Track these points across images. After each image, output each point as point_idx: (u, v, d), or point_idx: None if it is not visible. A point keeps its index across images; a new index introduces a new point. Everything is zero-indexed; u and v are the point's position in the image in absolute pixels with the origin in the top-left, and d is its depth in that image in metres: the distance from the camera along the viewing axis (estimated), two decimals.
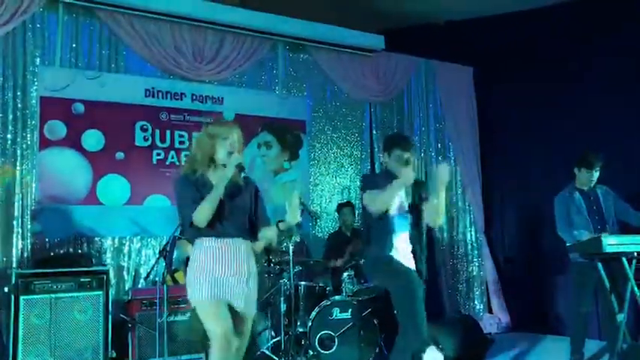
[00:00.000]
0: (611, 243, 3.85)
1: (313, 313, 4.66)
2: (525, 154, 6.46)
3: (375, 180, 3.77)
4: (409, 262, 3.61)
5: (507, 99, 6.78)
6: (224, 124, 3.28)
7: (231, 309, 2.87)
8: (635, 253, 3.90)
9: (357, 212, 5.89)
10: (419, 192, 3.72)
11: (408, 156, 3.61)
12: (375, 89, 6.62)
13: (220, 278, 2.83)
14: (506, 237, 6.88)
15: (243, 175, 3.00)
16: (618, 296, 4.01)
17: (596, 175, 4.55)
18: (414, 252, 3.64)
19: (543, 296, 6.24)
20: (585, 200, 4.52)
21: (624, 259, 3.90)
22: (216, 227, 2.86)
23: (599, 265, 4.00)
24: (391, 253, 3.55)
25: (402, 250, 3.60)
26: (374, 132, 6.65)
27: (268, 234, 3.06)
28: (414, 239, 3.64)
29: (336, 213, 5.90)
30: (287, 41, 6.15)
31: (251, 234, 3.03)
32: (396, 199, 3.59)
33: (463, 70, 7.22)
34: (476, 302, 6.69)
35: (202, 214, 2.80)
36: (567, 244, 4.44)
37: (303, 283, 5.01)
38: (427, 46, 6.97)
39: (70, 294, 4.31)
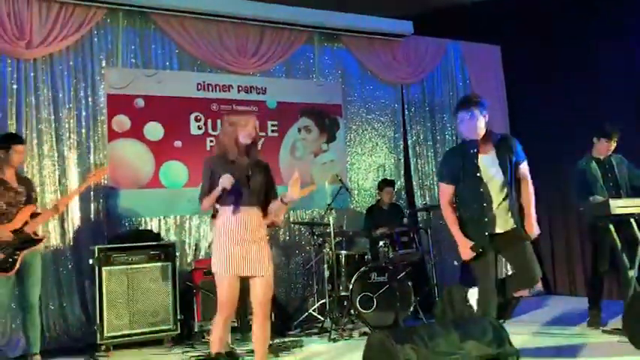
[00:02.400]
0: (619, 205, 4.27)
1: (354, 277, 5.22)
2: (553, 127, 6.78)
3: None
4: None
5: (533, 75, 7.12)
6: (242, 113, 3.77)
7: (248, 269, 3.35)
8: None
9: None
10: None
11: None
12: (405, 72, 7.07)
13: (235, 246, 3.31)
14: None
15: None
16: (630, 254, 4.42)
17: (613, 145, 4.92)
18: None
19: (569, 259, 6.64)
20: (601, 168, 4.90)
21: (632, 220, 4.32)
22: (234, 200, 3.38)
23: (610, 226, 4.41)
24: None
25: None
26: (406, 112, 7.11)
27: (274, 206, 3.52)
28: None
29: (376, 190, 6.43)
30: (321, 32, 6.65)
31: (265, 207, 3.53)
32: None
33: (490, 49, 7.59)
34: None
35: (204, 205, 3.42)
36: (581, 209, 4.85)
37: (343, 252, 5.57)
38: (454, 27, 7.34)
39: (143, 265, 5.00)
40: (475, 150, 3.60)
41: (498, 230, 3.54)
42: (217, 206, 3.46)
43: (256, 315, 3.41)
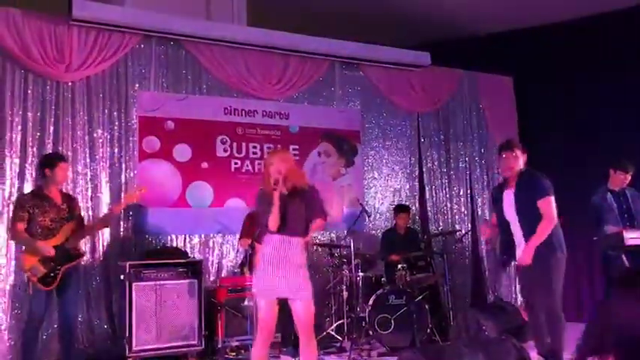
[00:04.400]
0: (632, 237, 4.48)
1: (372, 299, 5.41)
2: (565, 158, 7.00)
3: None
4: None
5: (546, 107, 7.36)
6: (274, 152, 4.04)
7: (285, 291, 3.56)
8: None
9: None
10: None
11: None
12: (421, 101, 7.33)
13: (274, 270, 3.53)
14: None
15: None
16: None
17: (628, 177, 5.15)
18: None
19: (580, 287, 6.81)
20: (616, 200, 5.12)
21: None
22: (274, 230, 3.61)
23: (623, 256, 4.62)
24: None
25: None
26: (422, 140, 7.35)
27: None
28: None
29: (392, 214, 6.64)
30: (342, 61, 6.92)
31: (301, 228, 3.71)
32: None
33: (503, 80, 7.85)
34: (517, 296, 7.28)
35: (271, 222, 3.60)
36: (594, 238, 5.06)
37: (361, 274, 5.76)
38: (469, 57, 7.62)
39: (171, 281, 5.19)
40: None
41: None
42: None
43: (301, 336, 3.60)
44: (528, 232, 4.02)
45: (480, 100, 7.73)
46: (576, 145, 6.92)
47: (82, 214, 5.40)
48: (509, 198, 4.17)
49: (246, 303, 5.34)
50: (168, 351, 5.09)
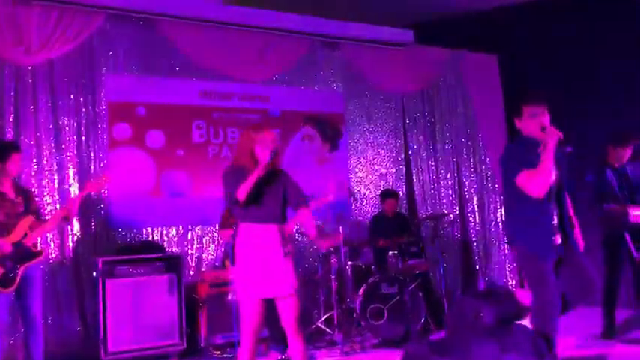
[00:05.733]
0: (637, 214, 4.25)
1: (363, 288, 5.12)
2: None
3: (521, 150, 3.37)
4: None
5: (532, 85, 7.14)
6: (256, 127, 3.60)
7: (271, 290, 3.23)
8: None
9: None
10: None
11: (542, 110, 3.36)
12: (405, 81, 7.03)
13: (257, 266, 3.20)
14: None
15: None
16: None
17: (628, 152, 4.91)
18: None
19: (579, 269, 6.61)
20: (616, 176, 4.88)
21: None
22: (252, 218, 3.27)
23: (626, 234, 4.40)
24: None
25: None
26: (406, 121, 7.08)
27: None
28: None
29: (379, 199, 6.35)
30: (324, 40, 6.58)
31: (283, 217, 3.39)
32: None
33: (488, 58, 7.60)
34: (508, 278, 7.09)
35: (242, 192, 3.19)
36: (598, 217, 4.83)
37: (350, 262, 5.48)
38: (454, 36, 7.36)
39: (148, 277, 4.83)
40: None
41: None
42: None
43: (288, 332, 3.29)
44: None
45: (464, 80, 7.46)
46: (563, 123, 6.71)
47: (50, 207, 5.04)
48: None
49: (229, 298, 5.00)
50: (147, 352, 4.73)
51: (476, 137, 7.37)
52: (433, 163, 7.13)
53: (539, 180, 3.14)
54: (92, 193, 4.92)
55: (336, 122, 6.65)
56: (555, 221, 3.35)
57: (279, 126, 6.25)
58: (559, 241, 3.35)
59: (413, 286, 5.20)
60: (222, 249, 5.63)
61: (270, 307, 3.38)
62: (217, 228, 5.46)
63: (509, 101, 7.55)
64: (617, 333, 4.74)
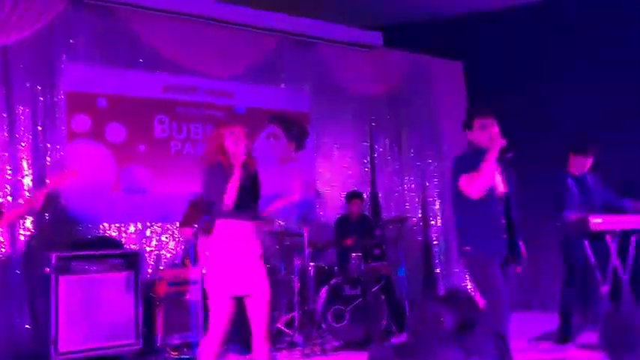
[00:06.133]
0: (597, 221, 4.33)
1: (325, 290, 5.07)
2: (515, 144, 6.90)
3: (469, 160, 3.43)
4: None
5: (496, 93, 7.23)
6: (229, 125, 3.55)
7: (244, 287, 3.15)
8: (619, 231, 4.38)
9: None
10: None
11: (491, 122, 3.45)
12: (373, 83, 7.02)
13: (232, 264, 3.13)
14: None
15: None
16: (602, 271, 4.49)
17: (589, 161, 5.00)
18: None
19: (536, 275, 6.71)
20: (577, 184, 4.97)
21: (608, 237, 4.38)
22: (229, 215, 3.18)
23: (586, 242, 4.47)
24: None
25: None
26: (373, 123, 7.07)
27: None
28: None
29: (344, 200, 6.31)
30: (291, 38, 6.51)
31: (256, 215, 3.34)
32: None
33: (454, 64, 7.66)
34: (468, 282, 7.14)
35: (229, 198, 3.13)
36: (557, 224, 4.90)
37: (312, 263, 5.41)
38: (422, 41, 7.39)
39: (104, 274, 4.65)
40: None
41: None
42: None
43: (256, 337, 3.20)
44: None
45: (430, 85, 7.50)
46: (527, 132, 6.81)
47: (1, 200, 4.82)
48: None
49: (188, 297, 4.86)
50: (100, 351, 4.56)
51: (440, 142, 7.41)
52: (398, 166, 7.14)
53: (478, 181, 3.26)
54: (57, 188, 4.71)
55: (302, 121, 6.57)
56: (504, 223, 3.42)
57: (244, 123, 6.09)
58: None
59: (375, 288, 5.18)
60: (183, 247, 5.50)
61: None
62: (178, 226, 5.33)
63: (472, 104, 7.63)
64: (572, 338, 4.82)
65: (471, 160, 3.40)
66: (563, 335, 4.84)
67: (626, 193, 5.04)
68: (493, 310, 3.23)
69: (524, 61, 6.95)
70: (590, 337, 4.58)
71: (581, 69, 6.42)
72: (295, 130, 6.51)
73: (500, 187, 3.45)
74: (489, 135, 3.39)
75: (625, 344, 3.82)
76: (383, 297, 5.17)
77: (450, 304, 5.34)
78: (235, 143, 3.25)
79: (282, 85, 6.52)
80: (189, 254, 5.02)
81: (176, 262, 5.49)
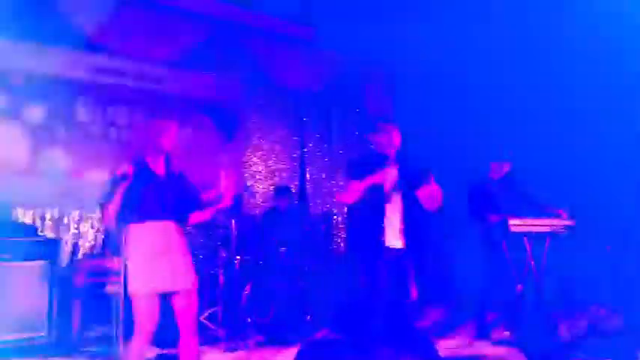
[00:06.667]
0: (516, 224, 4.55)
1: (251, 284, 5.02)
2: (438, 148, 7.10)
3: (361, 167, 3.83)
4: None
5: (422, 94, 7.42)
6: (161, 121, 3.45)
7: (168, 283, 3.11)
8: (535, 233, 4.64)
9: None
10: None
11: (393, 128, 3.85)
12: (305, 78, 7.02)
13: (157, 261, 3.07)
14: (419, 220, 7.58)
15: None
16: (519, 269, 4.74)
17: (507, 166, 5.24)
18: None
19: (454, 273, 6.95)
20: (496, 189, 5.20)
21: (525, 238, 4.63)
22: (149, 212, 3.12)
23: (504, 242, 4.70)
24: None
25: None
26: (303, 119, 7.07)
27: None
28: None
29: (273, 194, 6.27)
30: (225, 26, 6.37)
31: (181, 214, 3.29)
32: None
33: (382, 65, 7.80)
34: None
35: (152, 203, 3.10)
36: (478, 227, 5.11)
37: (238, 257, 5.34)
38: (354, 40, 7.44)
39: (16, 262, 4.36)
40: None
41: None
42: None
43: (182, 332, 3.12)
44: None
45: (360, 84, 7.60)
46: (455, 133, 6.99)
47: None
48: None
49: (109, 289, 4.65)
50: (8, 345, 4.27)
51: (368, 140, 7.50)
52: (327, 161, 7.19)
53: (348, 192, 3.67)
54: None
55: (232, 112, 6.47)
56: (394, 227, 3.72)
57: (172, 110, 5.96)
58: (397, 245, 3.70)
59: (303, 282, 5.19)
60: (103, 236, 5.26)
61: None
62: (99, 214, 5.08)
63: (402, 109, 7.80)
64: (488, 334, 5.04)
65: (364, 164, 3.77)
66: (480, 330, 5.06)
67: (542, 197, 5.34)
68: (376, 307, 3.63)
69: (454, 68, 7.15)
70: (506, 333, 4.79)
71: (503, 79, 6.63)
72: (225, 121, 6.41)
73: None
74: (390, 141, 3.75)
75: (538, 340, 4.05)
76: (311, 291, 5.19)
77: (377, 301, 5.46)
78: (168, 143, 3.18)
79: (214, 74, 6.38)
80: (111, 244, 4.83)
81: (96, 251, 5.25)
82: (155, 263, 3.06)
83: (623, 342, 3.99)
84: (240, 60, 6.58)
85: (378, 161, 3.82)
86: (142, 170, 3.14)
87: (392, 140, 3.84)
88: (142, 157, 3.19)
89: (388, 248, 3.70)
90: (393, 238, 3.75)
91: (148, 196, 3.10)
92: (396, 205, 3.79)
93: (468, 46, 7.03)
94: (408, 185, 3.84)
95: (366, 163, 3.84)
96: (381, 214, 3.71)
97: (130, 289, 3.09)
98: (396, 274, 3.76)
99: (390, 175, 3.70)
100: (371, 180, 3.62)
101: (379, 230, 3.70)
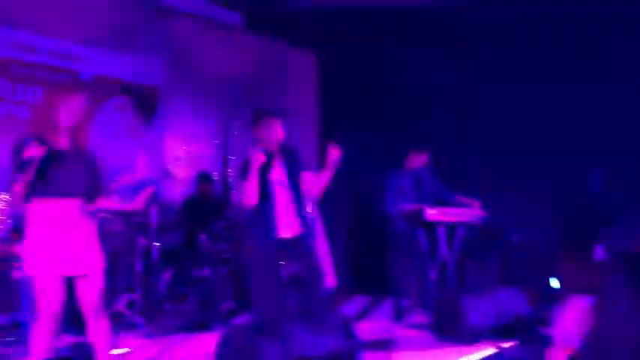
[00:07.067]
0: (432, 213, 4.74)
1: (170, 271, 4.93)
2: (364, 138, 7.25)
3: (246, 167, 3.85)
4: None
5: (349, 86, 7.53)
6: (68, 87, 3.30)
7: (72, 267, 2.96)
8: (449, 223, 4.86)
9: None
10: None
11: (278, 123, 3.91)
12: (231, 65, 6.95)
13: (57, 241, 2.90)
14: (340, 212, 7.72)
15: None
16: (433, 258, 4.94)
17: (425, 157, 5.43)
18: None
19: (372, 262, 7.13)
20: (413, 178, 5.38)
21: (440, 227, 4.83)
22: (50, 190, 2.92)
23: (420, 231, 4.89)
24: None
25: None
26: (228, 105, 6.99)
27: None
28: None
29: (194, 181, 6.18)
30: (150, 6, 6.19)
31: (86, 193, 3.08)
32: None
33: (308, 57, 7.86)
34: None
35: (16, 193, 2.84)
36: (393, 215, 5.26)
37: (158, 243, 5.22)
38: (282, 30, 7.43)
39: None
40: None
41: None
42: None
43: (90, 317, 2.99)
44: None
45: (284, 74, 7.63)
46: (380, 128, 7.12)
47: None
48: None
49: (16, 274, 4.42)
50: None
51: (291, 131, 7.52)
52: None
53: (244, 194, 3.77)
54: None
55: (153, 95, 6.29)
56: (284, 216, 3.83)
57: (89, 91, 5.68)
58: (286, 234, 3.82)
59: (223, 270, 5.16)
60: (10, 219, 4.97)
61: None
62: (7, 196, 4.80)
63: (325, 100, 7.90)
64: (404, 318, 5.22)
65: (248, 166, 3.78)
66: (396, 315, 5.24)
67: (455, 188, 5.59)
68: (260, 292, 3.88)
69: (378, 62, 7.28)
70: (420, 317, 4.99)
71: (435, 66, 6.77)
72: (145, 104, 6.23)
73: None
74: (275, 136, 3.86)
75: (450, 325, 4.24)
76: (230, 278, 5.16)
77: (297, 284, 5.51)
78: (67, 116, 2.94)
79: (135, 55, 6.17)
80: (17, 228, 4.59)
81: (2, 235, 4.95)
82: (55, 244, 2.87)
83: (527, 324, 4.25)
84: (164, 42, 6.42)
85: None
86: (43, 146, 2.84)
87: (274, 134, 3.90)
88: (42, 132, 2.94)
89: (280, 239, 3.79)
90: (285, 228, 3.83)
91: (49, 172, 2.86)
92: (285, 196, 3.88)
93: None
94: (296, 176, 3.95)
95: (251, 162, 3.85)
96: (271, 206, 3.80)
97: (29, 270, 2.89)
98: (293, 262, 3.91)
99: (259, 156, 3.73)
100: (252, 175, 3.69)
101: (270, 221, 3.78)
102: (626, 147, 5.48)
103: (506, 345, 3.96)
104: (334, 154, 3.89)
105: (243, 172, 3.83)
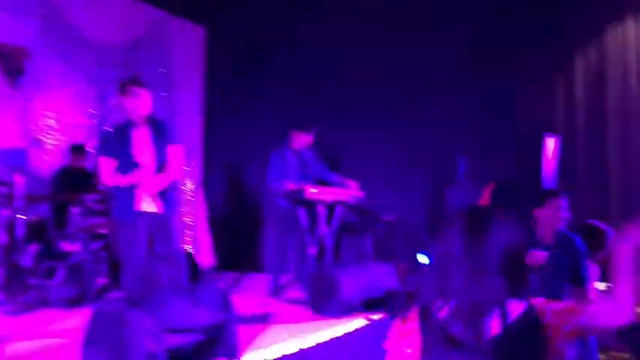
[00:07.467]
0: (313, 192, 4.87)
1: (37, 245, 4.65)
2: (249, 115, 7.24)
3: (113, 139, 3.95)
4: None
5: (238, 63, 7.46)
6: None
7: None
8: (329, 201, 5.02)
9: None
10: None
11: (142, 92, 3.90)
12: (111, 30, 6.61)
13: None
14: (221, 188, 7.69)
15: None
16: (313, 235, 5.08)
17: (309, 138, 5.51)
18: None
19: (247, 238, 7.17)
20: (296, 158, 5.47)
21: (320, 206, 4.98)
22: None
23: (301, 209, 5.00)
24: None
25: None
26: (107, 73, 6.64)
27: None
28: None
29: (67, 152, 5.85)
30: None
31: None
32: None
33: (195, 28, 7.67)
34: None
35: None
36: (276, 192, 5.33)
37: (24, 217, 4.90)
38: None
39: None
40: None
41: None
42: None
43: None
44: None
45: (170, 43, 7.39)
46: (270, 106, 7.11)
47: None
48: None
49: None
50: None
51: (173, 102, 7.35)
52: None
53: (101, 171, 3.93)
54: None
55: (20, 57, 5.81)
56: (147, 190, 3.89)
57: None
58: (152, 209, 3.92)
59: (95, 245, 4.95)
60: None
61: None
62: None
63: (213, 74, 7.77)
64: (280, 294, 5.33)
65: (114, 135, 3.87)
66: (273, 290, 5.33)
67: (335, 169, 5.78)
68: (125, 267, 4.00)
69: (270, 36, 7.23)
70: (298, 292, 5.12)
71: (332, 50, 6.83)
72: (10, 65, 5.76)
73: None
74: (139, 106, 3.83)
75: (325, 299, 4.40)
76: (103, 254, 4.97)
77: (166, 262, 5.42)
78: None
79: (6, 13, 5.66)
80: None
81: None
82: None
83: (396, 296, 4.51)
84: (36, 5, 5.94)
85: (126, 130, 3.89)
86: None
87: (140, 104, 3.88)
88: None
89: (144, 212, 3.87)
90: (147, 203, 3.90)
91: None
92: (149, 170, 3.89)
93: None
94: (163, 149, 3.97)
95: (116, 135, 3.89)
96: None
97: None
98: (157, 236, 3.97)
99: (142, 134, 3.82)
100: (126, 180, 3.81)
101: (131, 195, 3.83)
102: (493, 135, 5.98)
103: (375, 317, 4.17)
104: (177, 155, 3.98)
105: (103, 147, 3.87)
